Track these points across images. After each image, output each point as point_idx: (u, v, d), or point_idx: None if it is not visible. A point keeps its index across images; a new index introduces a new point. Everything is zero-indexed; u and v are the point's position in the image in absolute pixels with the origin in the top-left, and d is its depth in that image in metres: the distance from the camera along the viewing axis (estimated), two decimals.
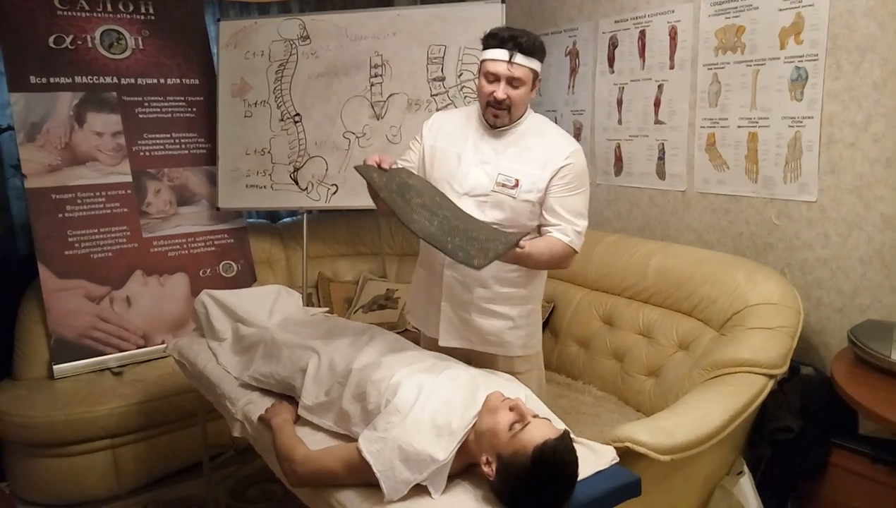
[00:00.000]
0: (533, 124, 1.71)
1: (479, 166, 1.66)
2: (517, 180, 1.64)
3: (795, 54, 2.13)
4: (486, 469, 1.20)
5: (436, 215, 1.47)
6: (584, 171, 1.70)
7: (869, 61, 1.95)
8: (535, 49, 1.62)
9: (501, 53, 1.59)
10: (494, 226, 1.57)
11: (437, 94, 2.89)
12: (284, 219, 3.60)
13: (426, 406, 1.32)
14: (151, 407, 2.49)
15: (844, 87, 2.02)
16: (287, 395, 1.66)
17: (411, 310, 1.96)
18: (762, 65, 2.23)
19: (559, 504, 1.15)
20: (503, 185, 1.64)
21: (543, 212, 1.67)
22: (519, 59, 1.59)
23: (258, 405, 1.65)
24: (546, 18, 3.11)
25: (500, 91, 1.59)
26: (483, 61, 1.63)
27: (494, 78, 1.60)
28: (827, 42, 2.04)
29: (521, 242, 1.47)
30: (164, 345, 2.56)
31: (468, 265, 1.38)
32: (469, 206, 1.62)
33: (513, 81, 1.60)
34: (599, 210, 2.89)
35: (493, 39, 1.61)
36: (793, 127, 2.16)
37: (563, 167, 1.64)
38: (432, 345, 1.79)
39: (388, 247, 3.45)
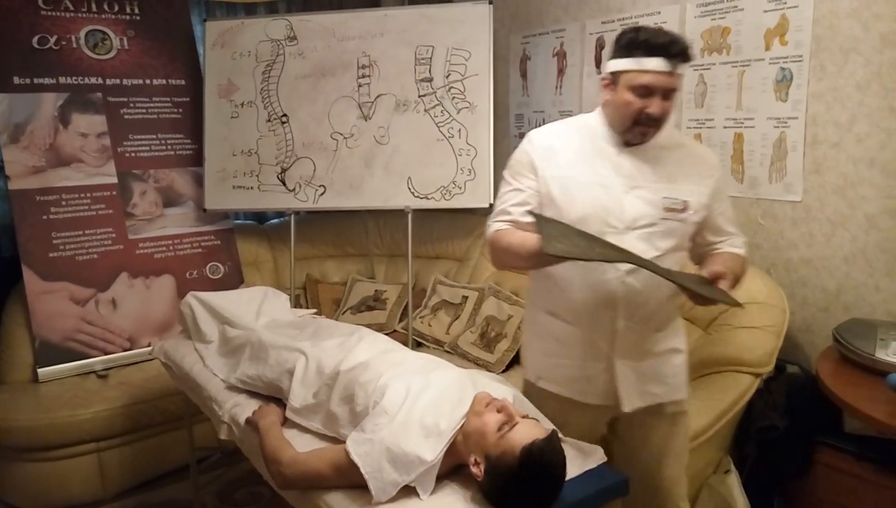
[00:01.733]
0: (666, 133, 1.43)
1: (630, 193, 1.39)
2: (685, 202, 1.40)
3: (780, 55, 2.14)
4: (474, 469, 1.20)
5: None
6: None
7: (852, 62, 1.97)
8: (690, 53, 1.35)
9: (660, 63, 1.30)
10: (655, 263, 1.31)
11: (424, 95, 2.89)
12: (272, 221, 3.59)
13: (414, 407, 1.31)
14: (137, 409, 2.47)
15: (828, 88, 2.03)
16: (274, 397, 1.65)
17: (546, 373, 1.54)
18: (747, 66, 2.25)
19: (547, 504, 1.15)
20: (672, 210, 1.39)
21: (705, 232, 1.47)
22: (681, 68, 1.33)
23: (245, 407, 1.64)
24: (532, 19, 3.11)
25: (657, 106, 1.32)
26: (626, 73, 1.34)
27: (647, 91, 1.31)
28: (811, 43, 2.06)
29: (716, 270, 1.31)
30: (150, 348, 2.54)
31: (725, 302, 1.28)
32: (634, 242, 1.35)
33: (669, 93, 1.33)
34: None
35: (641, 47, 1.32)
36: (778, 127, 2.18)
37: (716, 177, 1.46)
38: (593, 418, 1.52)
39: (376, 247, 3.44)
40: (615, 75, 1.37)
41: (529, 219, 1.38)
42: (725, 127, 2.34)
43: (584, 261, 1.29)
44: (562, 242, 1.22)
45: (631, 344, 1.44)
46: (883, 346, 1.75)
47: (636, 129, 1.36)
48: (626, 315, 1.41)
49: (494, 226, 1.47)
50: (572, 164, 1.42)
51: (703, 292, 1.27)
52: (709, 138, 2.40)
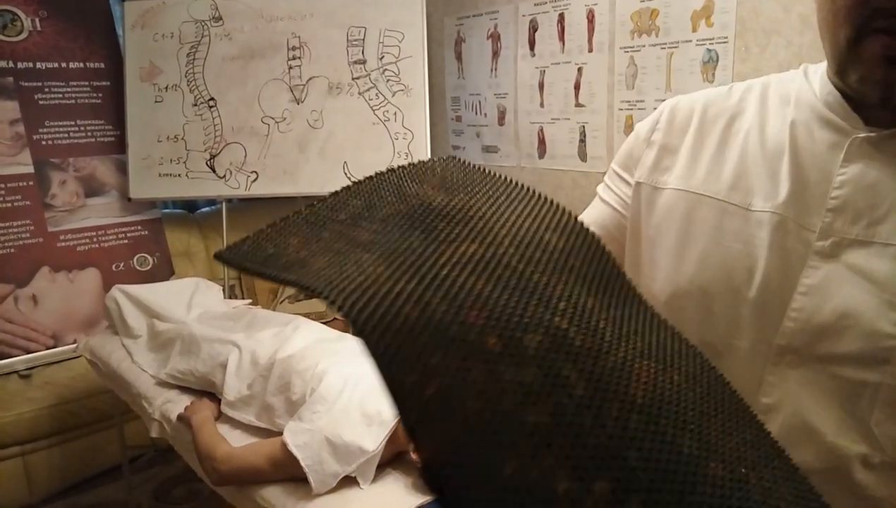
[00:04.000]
0: None
1: (847, 254, 0.55)
2: None
3: (707, 37, 2.19)
4: (415, 456, 1.19)
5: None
6: None
7: (774, 44, 2.03)
8: None
9: None
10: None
11: (358, 78, 2.83)
12: (202, 209, 3.47)
13: (354, 393, 1.29)
14: (64, 410, 2.37)
15: (752, 69, 2.09)
16: (207, 392, 1.60)
17: None
18: (676, 48, 2.29)
19: None
20: None
21: None
22: None
23: (177, 403, 1.59)
24: (466, 1, 3.09)
25: None
26: None
27: None
28: (736, 25, 2.11)
29: None
30: (76, 345, 2.44)
31: None
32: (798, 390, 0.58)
33: None
34: None
35: None
36: None
37: None
38: None
39: None
40: None
41: None
42: (656, 108, 2.38)
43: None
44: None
45: None
46: None
47: (874, 59, 0.51)
48: None
49: None
50: (739, 174, 0.62)
51: None
52: (640, 119, 2.44)
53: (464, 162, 0.46)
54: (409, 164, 0.45)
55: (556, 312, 0.33)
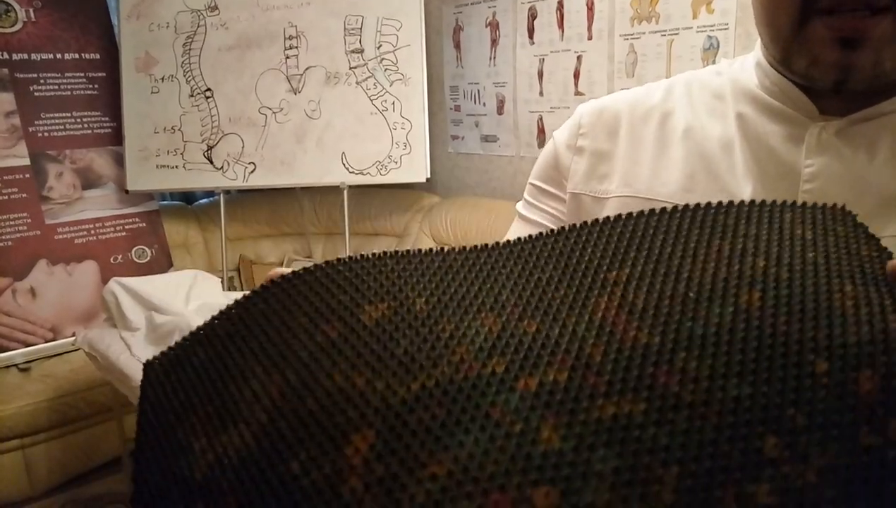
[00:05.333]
0: None
1: None
2: None
3: (707, 24, 2.17)
4: None
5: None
6: None
7: None
8: None
9: None
10: None
11: (356, 67, 2.81)
12: (200, 201, 3.46)
13: None
14: (63, 402, 2.36)
15: None
16: None
17: None
18: (676, 34, 2.27)
19: None
20: None
21: None
22: None
23: None
24: None
25: None
26: None
27: None
28: (737, 11, 2.09)
29: None
30: (74, 338, 2.43)
31: None
32: None
33: None
34: (524, 182, 2.86)
35: None
36: None
37: None
38: None
39: (313, 225, 3.37)
40: None
41: None
42: None
43: None
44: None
45: None
46: None
47: (828, 50, 0.48)
48: None
49: None
50: (665, 171, 0.59)
51: None
52: None
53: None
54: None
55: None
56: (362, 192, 3.10)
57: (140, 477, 0.34)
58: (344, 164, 2.84)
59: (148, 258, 2.97)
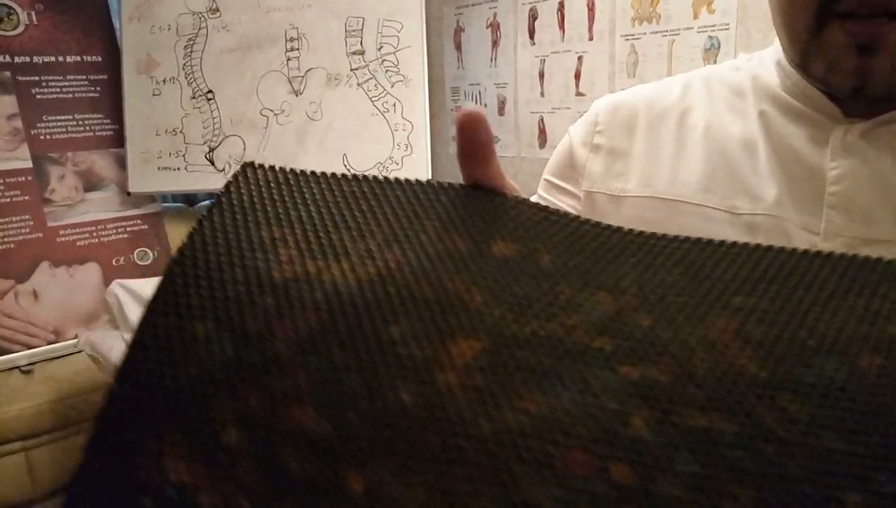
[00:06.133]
0: None
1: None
2: None
3: (708, 24, 2.17)
4: None
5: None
6: None
7: None
8: None
9: None
10: None
11: (357, 68, 2.82)
12: (202, 203, 3.47)
13: None
14: (66, 405, 2.37)
15: None
16: None
17: None
18: (677, 35, 2.27)
19: None
20: None
21: None
22: None
23: None
24: None
25: None
26: None
27: None
28: (738, 11, 2.09)
29: None
30: (76, 340, 2.44)
31: None
32: None
33: None
34: (525, 183, 2.89)
35: None
36: None
37: None
38: None
39: None
40: None
41: None
42: None
43: None
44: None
45: None
46: None
47: (846, 51, 0.47)
48: None
49: None
50: (701, 175, 0.58)
51: None
52: None
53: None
54: None
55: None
56: None
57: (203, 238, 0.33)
58: (345, 166, 2.84)
59: (150, 260, 2.97)
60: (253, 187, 0.36)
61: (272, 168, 0.38)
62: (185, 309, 0.30)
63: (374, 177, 0.37)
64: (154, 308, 0.31)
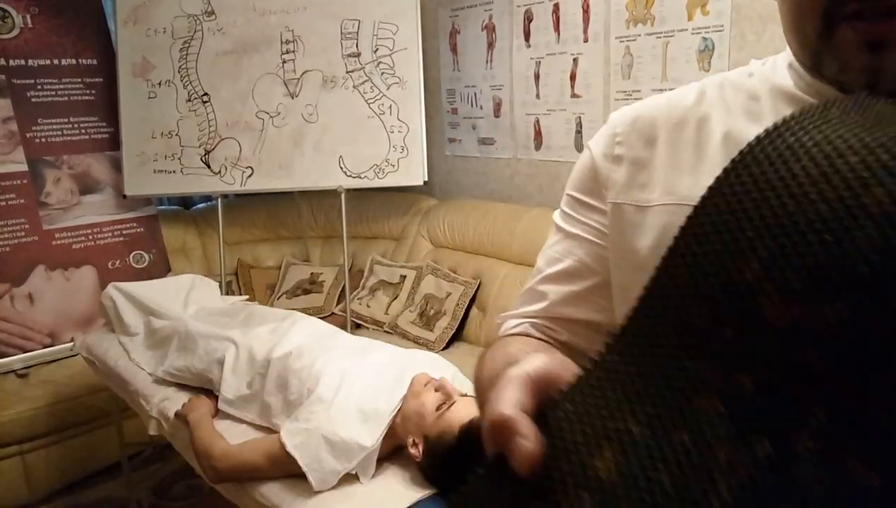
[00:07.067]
0: None
1: None
2: None
3: (702, 25, 2.18)
4: (412, 450, 1.18)
5: None
6: None
7: (770, 31, 2.02)
8: None
9: None
10: None
11: (352, 71, 2.82)
12: (198, 205, 3.46)
13: (351, 392, 1.29)
14: (62, 408, 2.36)
15: (748, 57, 2.07)
16: (205, 389, 1.59)
17: None
18: (671, 36, 2.27)
19: None
20: None
21: None
22: None
23: (174, 401, 1.58)
24: None
25: None
26: None
27: None
28: (731, 13, 2.10)
29: None
30: (72, 343, 2.43)
31: None
32: None
33: None
34: (521, 184, 2.91)
35: None
36: None
37: None
38: None
39: (311, 229, 3.37)
40: None
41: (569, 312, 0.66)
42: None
43: None
44: None
45: None
46: None
47: (861, 54, 0.47)
48: None
49: (505, 323, 0.71)
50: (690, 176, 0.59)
51: None
52: None
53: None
54: None
55: None
56: (360, 196, 3.10)
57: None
58: (341, 168, 2.84)
59: (146, 263, 2.96)
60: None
61: None
62: None
63: None
64: None
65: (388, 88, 2.82)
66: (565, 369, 0.38)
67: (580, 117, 2.63)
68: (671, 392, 0.32)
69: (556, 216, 0.69)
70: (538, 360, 0.38)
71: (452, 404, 1.16)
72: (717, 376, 0.31)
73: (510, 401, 0.34)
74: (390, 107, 2.82)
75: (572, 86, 2.64)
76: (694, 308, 0.32)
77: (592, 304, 0.64)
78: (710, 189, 0.35)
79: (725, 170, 0.34)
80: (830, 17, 0.48)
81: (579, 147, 2.65)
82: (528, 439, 0.32)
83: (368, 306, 2.89)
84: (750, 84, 0.60)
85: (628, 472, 0.30)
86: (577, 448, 0.32)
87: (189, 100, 2.85)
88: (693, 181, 0.58)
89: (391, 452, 1.26)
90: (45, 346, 2.64)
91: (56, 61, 2.80)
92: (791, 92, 0.56)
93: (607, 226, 0.63)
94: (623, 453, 0.31)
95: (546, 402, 0.34)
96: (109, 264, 2.86)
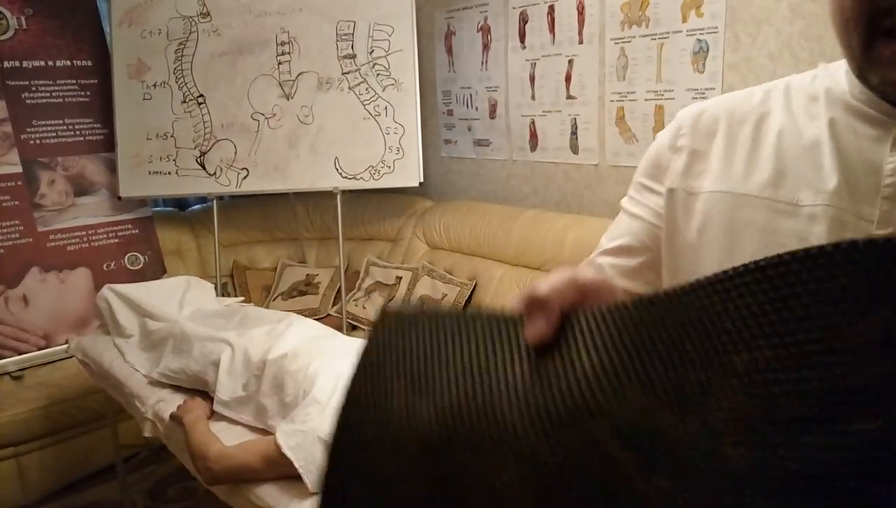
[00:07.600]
0: None
1: None
2: None
3: (697, 27, 2.18)
4: None
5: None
6: None
7: (765, 33, 2.02)
8: None
9: None
10: None
11: (348, 72, 2.82)
12: (193, 207, 3.46)
13: None
14: (57, 410, 2.35)
15: (743, 59, 2.09)
16: (200, 391, 1.59)
17: None
18: (666, 38, 2.28)
19: None
20: None
21: None
22: None
23: (169, 402, 1.58)
24: None
25: None
26: None
27: None
28: (726, 15, 2.10)
29: None
30: (67, 345, 2.43)
31: None
32: None
33: None
34: (517, 186, 2.91)
35: None
36: (696, 98, 2.23)
37: None
38: None
39: (306, 230, 3.37)
40: None
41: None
42: (647, 99, 2.38)
43: None
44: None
45: None
46: None
47: (889, 62, 0.51)
48: None
49: None
50: (779, 171, 0.61)
51: None
52: (631, 111, 2.43)
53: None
54: None
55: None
56: (355, 197, 3.10)
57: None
58: (337, 169, 2.84)
59: (141, 264, 2.96)
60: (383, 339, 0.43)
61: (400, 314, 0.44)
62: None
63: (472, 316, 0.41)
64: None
65: (383, 90, 2.82)
66: (611, 294, 0.41)
67: (575, 119, 2.64)
68: (669, 370, 0.34)
69: (624, 201, 0.75)
70: (591, 274, 0.42)
71: None
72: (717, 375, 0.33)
73: (551, 285, 0.38)
74: (386, 108, 2.83)
75: (567, 88, 2.64)
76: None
77: (643, 278, 0.70)
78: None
79: None
80: (871, 31, 0.50)
81: (574, 148, 2.66)
82: (545, 321, 0.37)
83: (364, 307, 2.89)
84: (812, 86, 0.64)
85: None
86: (569, 352, 0.36)
87: (184, 102, 2.85)
88: (743, 172, 0.62)
89: None
90: (40, 348, 2.64)
91: (51, 63, 2.80)
92: (844, 98, 0.59)
93: (663, 208, 0.68)
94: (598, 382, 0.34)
95: (577, 309, 0.38)
96: (104, 266, 2.86)
